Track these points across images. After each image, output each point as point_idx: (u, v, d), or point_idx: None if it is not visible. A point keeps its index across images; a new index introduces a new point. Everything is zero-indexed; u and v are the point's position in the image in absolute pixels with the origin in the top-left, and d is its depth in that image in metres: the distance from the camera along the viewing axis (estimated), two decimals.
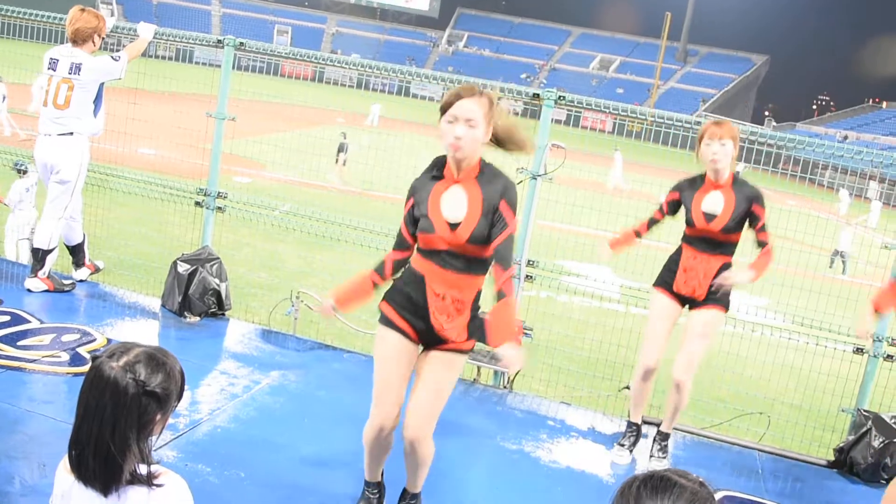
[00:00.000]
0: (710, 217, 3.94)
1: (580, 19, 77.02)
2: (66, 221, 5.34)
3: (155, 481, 1.78)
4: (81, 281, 5.61)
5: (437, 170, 2.90)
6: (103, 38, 5.24)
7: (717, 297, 4.01)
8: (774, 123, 57.96)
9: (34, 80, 5.33)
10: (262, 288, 6.50)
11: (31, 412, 3.64)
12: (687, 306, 4.14)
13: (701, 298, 4.04)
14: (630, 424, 4.32)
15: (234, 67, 5.67)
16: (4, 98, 16.23)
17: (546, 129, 5.07)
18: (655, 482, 1.37)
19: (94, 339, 4.57)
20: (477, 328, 2.96)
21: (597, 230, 5.34)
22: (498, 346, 2.62)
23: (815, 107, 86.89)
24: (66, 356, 4.28)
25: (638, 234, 4.31)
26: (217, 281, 5.32)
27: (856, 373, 4.79)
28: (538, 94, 5.06)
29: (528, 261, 5.21)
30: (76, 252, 5.62)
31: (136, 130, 6.01)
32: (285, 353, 4.98)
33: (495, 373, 5.06)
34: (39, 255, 5.22)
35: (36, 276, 5.24)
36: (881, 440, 4.33)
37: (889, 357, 4.72)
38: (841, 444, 4.57)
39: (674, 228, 4.36)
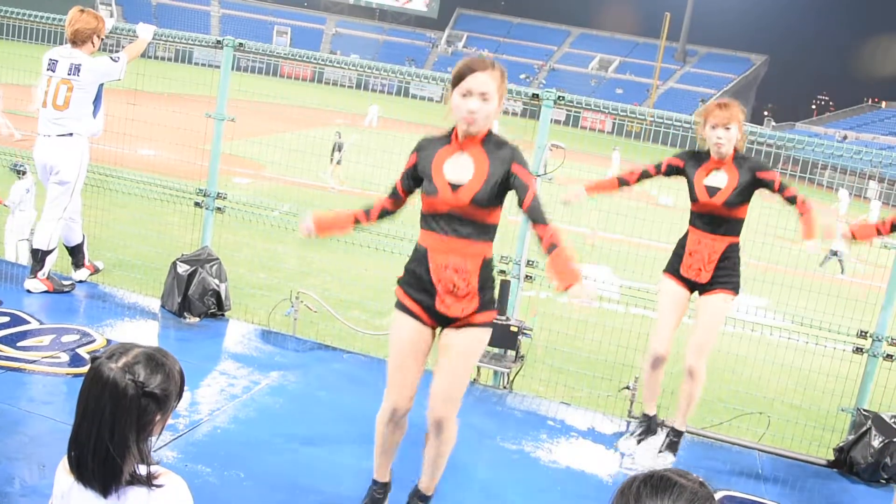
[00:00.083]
0: (712, 191, 3.88)
1: (579, 20, 77.09)
2: (66, 222, 5.33)
3: (155, 482, 1.78)
4: (81, 282, 5.61)
5: (446, 135, 2.90)
6: (102, 39, 5.24)
7: (724, 281, 3.96)
8: (774, 123, 57.94)
9: (36, 81, 5.32)
10: (261, 288, 6.49)
11: (30, 413, 3.64)
12: (696, 292, 4.09)
13: (706, 282, 3.99)
14: (643, 415, 4.30)
15: (233, 68, 5.67)
16: None
17: (545, 130, 5.07)
18: (655, 482, 1.37)
19: (94, 340, 4.57)
20: (490, 300, 2.93)
21: (596, 230, 5.34)
22: (565, 289, 2.68)
23: (814, 107, 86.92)
24: (65, 357, 4.27)
25: (624, 183, 4.17)
26: (217, 281, 5.32)
27: (855, 372, 4.79)
28: (537, 95, 5.06)
29: (528, 261, 5.21)
30: (76, 253, 5.61)
31: (136, 131, 6.00)
32: (285, 354, 4.98)
33: (495, 373, 5.06)
34: (39, 256, 5.22)
35: (35, 276, 5.24)
36: (881, 440, 4.33)
37: (889, 357, 4.72)
38: (841, 444, 4.57)
39: (674, 228, 4.36)
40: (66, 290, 5.36)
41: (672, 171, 4.08)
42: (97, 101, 5.19)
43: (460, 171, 2.82)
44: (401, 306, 2.97)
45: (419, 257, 2.90)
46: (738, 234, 3.98)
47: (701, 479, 1.39)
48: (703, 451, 4.56)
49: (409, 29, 76.27)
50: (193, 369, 4.29)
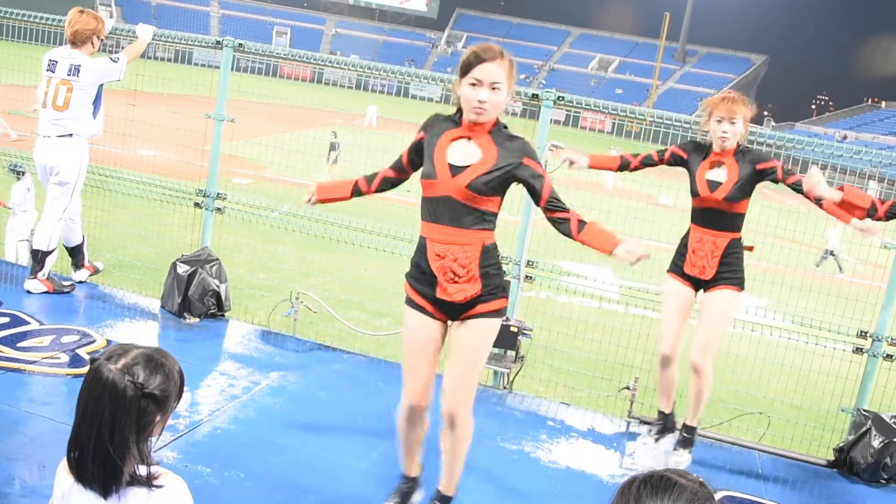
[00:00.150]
0: (713, 185, 3.86)
1: (579, 20, 77.09)
2: (66, 223, 5.33)
3: (155, 482, 1.78)
4: (81, 282, 5.61)
5: (456, 118, 2.89)
6: (102, 40, 5.24)
7: (729, 277, 3.94)
8: (773, 123, 57.92)
9: (37, 81, 5.32)
10: (261, 289, 6.49)
11: (30, 413, 3.64)
12: (702, 290, 4.07)
13: (709, 279, 3.97)
14: (659, 414, 4.30)
15: (232, 69, 5.67)
16: None
17: (545, 130, 5.07)
18: (655, 482, 1.37)
19: (94, 341, 4.57)
20: (496, 287, 2.92)
21: None
22: (611, 252, 2.79)
23: (814, 107, 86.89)
24: (65, 357, 4.27)
25: (625, 163, 4.13)
26: (216, 282, 5.32)
27: (855, 373, 4.78)
28: (537, 95, 5.06)
29: (528, 261, 5.21)
30: (75, 253, 5.62)
31: (136, 132, 6.01)
32: (285, 354, 4.98)
33: (495, 373, 5.06)
34: (39, 257, 5.22)
35: (35, 277, 5.24)
36: (881, 440, 4.33)
37: (889, 357, 4.72)
38: (841, 444, 4.57)
39: (674, 228, 4.35)
40: (66, 290, 5.36)
41: (675, 160, 4.07)
42: (97, 102, 5.19)
43: (465, 155, 2.80)
44: (409, 302, 2.98)
45: (421, 249, 2.91)
46: (739, 229, 3.96)
47: (701, 479, 1.39)
48: (703, 451, 4.55)
49: (408, 29, 76.28)
50: (193, 370, 4.29)
